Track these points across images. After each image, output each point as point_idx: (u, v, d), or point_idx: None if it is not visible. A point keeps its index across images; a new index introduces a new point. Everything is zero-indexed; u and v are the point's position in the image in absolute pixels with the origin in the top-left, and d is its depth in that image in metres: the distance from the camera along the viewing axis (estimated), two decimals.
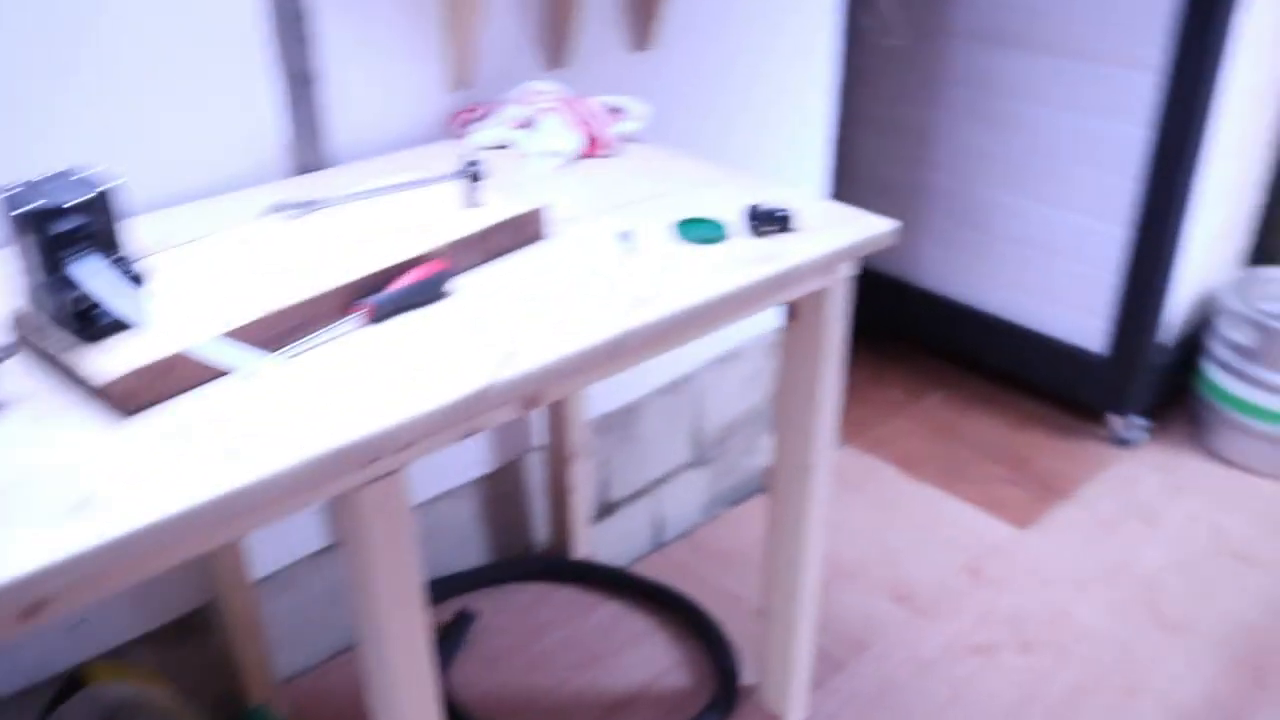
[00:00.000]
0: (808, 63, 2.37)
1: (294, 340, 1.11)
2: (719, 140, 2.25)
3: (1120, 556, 2.54)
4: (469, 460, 2.15)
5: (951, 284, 3.11)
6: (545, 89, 1.76)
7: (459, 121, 1.78)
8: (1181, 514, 2.69)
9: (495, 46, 1.82)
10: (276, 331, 1.10)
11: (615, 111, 1.78)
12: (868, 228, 1.38)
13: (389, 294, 1.17)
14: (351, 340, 1.13)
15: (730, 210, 1.42)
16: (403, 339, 1.14)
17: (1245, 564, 2.53)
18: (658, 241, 1.35)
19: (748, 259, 1.30)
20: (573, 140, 1.66)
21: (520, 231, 1.35)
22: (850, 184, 3.19)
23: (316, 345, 1.12)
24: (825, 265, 1.35)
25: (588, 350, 1.13)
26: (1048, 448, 2.94)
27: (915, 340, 3.35)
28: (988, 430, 3.01)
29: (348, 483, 1.04)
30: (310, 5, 1.58)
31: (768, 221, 1.35)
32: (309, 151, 1.64)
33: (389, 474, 1.07)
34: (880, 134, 3.12)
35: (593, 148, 1.69)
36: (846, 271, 1.43)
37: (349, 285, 1.16)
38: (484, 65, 1.81)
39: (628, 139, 1.74)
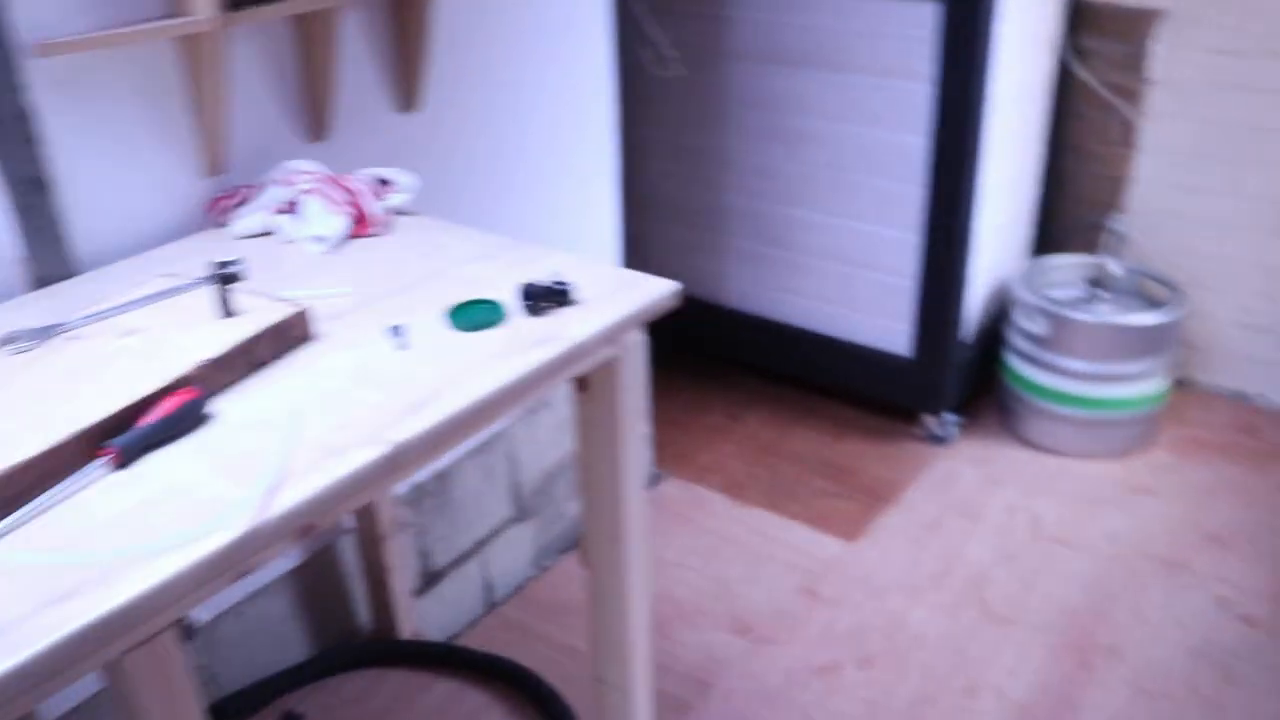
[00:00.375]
0: (585, 105, 2.33)
1: (28, 499, 1.01)
2: (499, 198, 2.19)
3: (947, 557, 2.58)
4: None
5: (760, 302, 3.12)
6: (306, 167, 1.67)
7: (218, 209, 1.67)
8: (1000, 505, 2.76)
9: (249, 124, 1.72)
10: (4, 496, 0.99)
11: (383, 184, 1.70)
12: (649, 292, 1.34)
13: (136, 432, 1.07)
14: (96, 491, 1.03)
15: (508, 286, 1.36)
16: (155, 482, 1.04)
17: (1062, 547, 2.60)
18: (432, 332, 1.28)
19: (527, 342, 1.24)
20: (337, 222, 1.57)
21: (284, 338, 1.26)
22: (649, 215, 3.17)
23: (55, 503, 1.01)
24: (610, 336, 1.30)
25: (362, 470, 1.06)
26: (868, 454, 2.97)
27: (732, 361, 3.35)
28: (809, 444, 3.03)
29: (106, 655, 0.94)
30: (34, 103, 1.45)
31: (545, 298, 1.30)
32: (49, 262, 1.51)
33: (153, 636, 0.97)
34: (674, 161, 3.11)
35: (361, 227, 1.61)
36: (635, 338, 1.38)
37: (89, 429, 1.06)
38: (239, 146, 1.71)
39: (398, 213, 1.67)
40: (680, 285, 1.40)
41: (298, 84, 1.77)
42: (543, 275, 1.34)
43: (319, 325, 1.32)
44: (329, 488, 1.04)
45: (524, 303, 1.30)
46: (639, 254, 3.10)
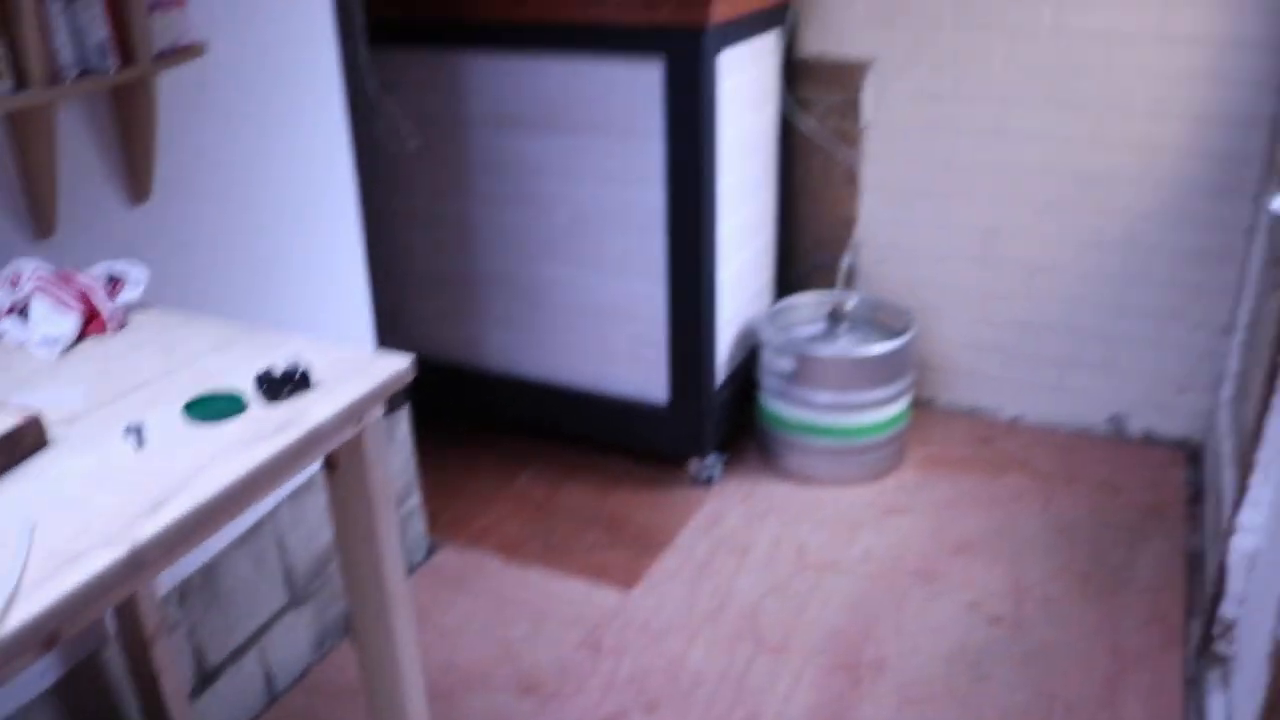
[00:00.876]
0: (326, 183, 2.34)
1: None
2: (242, 284, 2.17)
3: (720, 594, 2.68)
4: (33, 672, 1.94)
5: (521, 363, 3.18)
6: (32, 267, 1.62)
7: None
8: (766, 539, 2.88)
9: None
10: None
11: (115, 280, 1.67)
12: (386, 369, 1.38)
13: None
14: None
15: (247, 375, 1.37)
16: None
17: (826, 572, 2.74)
18: (170, 428, 1.28)
19: (268, 430, 1.26)
20: (68, 322, 1.54)
21: (15, 447, 1.23)
22: (404, 285, 3.19)
23: None
24: (351, 416, 1.33)
25: (102, 574, 1.05)
26: (640, 503, 3.06)
27: (501, 424, 3.39)
28: (582, 499, 3.09)
29: None
30: None
31: (284, 383, 1.31)
32: None
33: None
34: (424, 229, 3.15)
35: (94, 325, 1.58)
36: (378, 414, 1.41)
37: None
38: None
39: (132, 308, 1.64)
40: (415, 356, 1.44)
41: (17, 181, 1.72)
42: (282, 360, 1.35)
43: (53, 430, 1.29)
44: (68, 595, 1.02)
45: (262, 390, 1.31)
46: (396, 326, 3.11)
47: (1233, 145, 2.90)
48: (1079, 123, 3.03)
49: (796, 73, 3.25)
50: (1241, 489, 2.23)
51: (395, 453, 2.68)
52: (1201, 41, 2.84)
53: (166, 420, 1.30)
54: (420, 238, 3.17)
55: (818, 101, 3.27)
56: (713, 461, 3.10)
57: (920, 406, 3.42)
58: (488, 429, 3.41)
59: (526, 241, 3.01)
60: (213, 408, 1.30)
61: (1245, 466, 2.24)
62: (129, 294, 1.64)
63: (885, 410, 3.04)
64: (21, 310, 1.58)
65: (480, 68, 2.87)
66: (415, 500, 2.81)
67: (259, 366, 1.35)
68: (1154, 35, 2.88)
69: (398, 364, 1.39)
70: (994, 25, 3.02)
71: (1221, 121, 2.89)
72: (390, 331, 2.59)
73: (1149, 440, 3.28)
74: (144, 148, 1.88)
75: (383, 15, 2.69)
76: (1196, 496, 2.99)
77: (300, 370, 1.32)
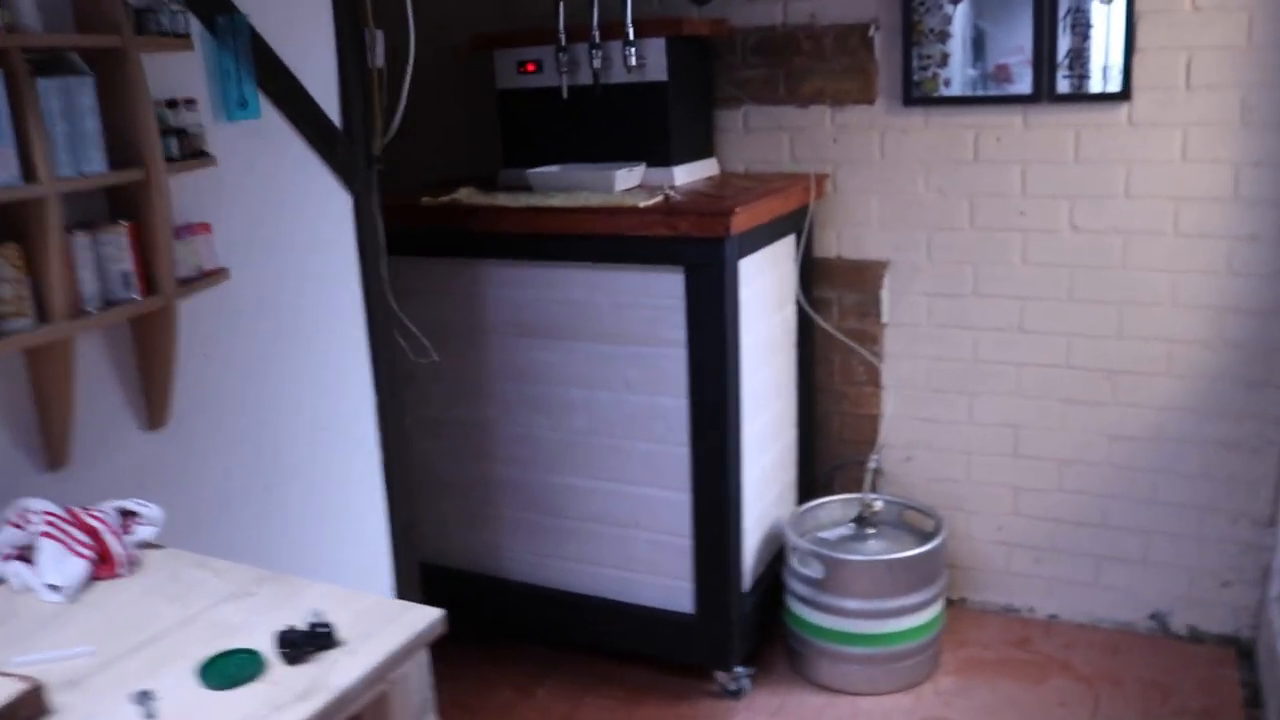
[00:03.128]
0: (344, 400, 2.31)
1: None
2: (259, 511, 2.11)
3: None
4: None
5: (539, 572, 3.08)
6: (41, 506, 1.56)
7: None
8: None
9: None
10: None
11: (129, 515, 1.61)
12: (416, 623, 1.30)
13: None
14: None
15: (267, 628, 1.29)
16: None
17: None
18: (183, 695, 1.19)
19: (289, 696, 1.17)
20: (76, 567, 1.47)
21: (15, 717, 1.15)
22: (421, 494, 3.13)
23: None
24: (379, 676, 1.24)
25: None
26: (665, 718, 2.91)
27: (520, 633, 3.27)
28: (604, 713, 2.95)
29: None
30: None
31: (306, 643, 1.23)
32: None
33: None
34: (441, 436, 3.10)
35: (105, 568, 1.51)
36: (410, 668, 1.33)
37: None
38: None
39: (145, 546, 1.58)
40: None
41: (32, 413, 1.68)
42: (303, 615, 1.28)
43: (55, 697, 1.21)
44: None
45: (283, 652, 1.23)
46: (412, 534, 3.04)
47: (1256, 335, 2.87)
48: (1100, 317, 3.01)
49: (814, 273, 3.25)
50: None
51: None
52: (1214, 237, 2.85)
53: (178, 684, 1.21)
54: (437, 445, 3.12)
55: (836, 301, 3.27)
56: (741, 673, 2.96)
57: (952, 607, 3.30)
58: (505, 639, 3.28)
59: (543, 448, 2.96)
60: (228, 670, 1.21)
61: None
62: (142, 533, 1.58)
63: (918, 615, 2.92)
64: (29, 553, 1.51)
65: (499, 276, 2.87)
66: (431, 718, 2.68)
67: (277, 619, 1.28)
68: (1170, 232, 2.89)
69: (429, 616, 1.31)
70: (1012, 226, 3.03)
71: (1242, 312, 2.87)
72: (405, 539, 2.52)
73: (1195, 637, 3.14)
74: (163, 374, 1.85)
75: (402, 225, 2.70)
76: (1254, 699, 2.85)
77: (324, 628, 1.24)
